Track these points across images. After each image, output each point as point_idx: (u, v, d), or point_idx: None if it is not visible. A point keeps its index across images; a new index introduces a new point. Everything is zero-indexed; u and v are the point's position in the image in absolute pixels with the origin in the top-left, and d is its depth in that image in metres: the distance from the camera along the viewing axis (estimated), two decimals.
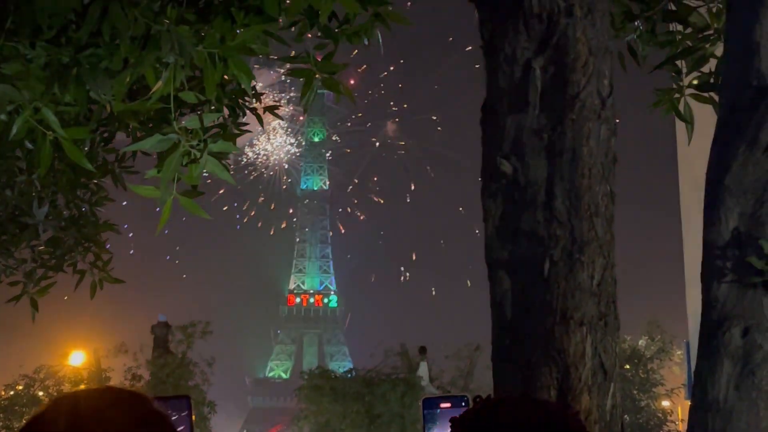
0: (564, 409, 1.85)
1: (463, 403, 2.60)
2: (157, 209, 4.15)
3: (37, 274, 6.41)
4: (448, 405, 2.60)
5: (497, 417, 1.79)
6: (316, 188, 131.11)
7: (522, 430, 1.74)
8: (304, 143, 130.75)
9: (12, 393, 27.38)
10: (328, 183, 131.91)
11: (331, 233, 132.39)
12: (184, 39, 3.81)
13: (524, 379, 3.42)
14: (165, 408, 1.64)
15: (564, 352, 3.37)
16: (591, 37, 3.54)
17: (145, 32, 3.79)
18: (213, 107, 4.74)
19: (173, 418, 2.29)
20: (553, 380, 3.37)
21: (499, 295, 3.56)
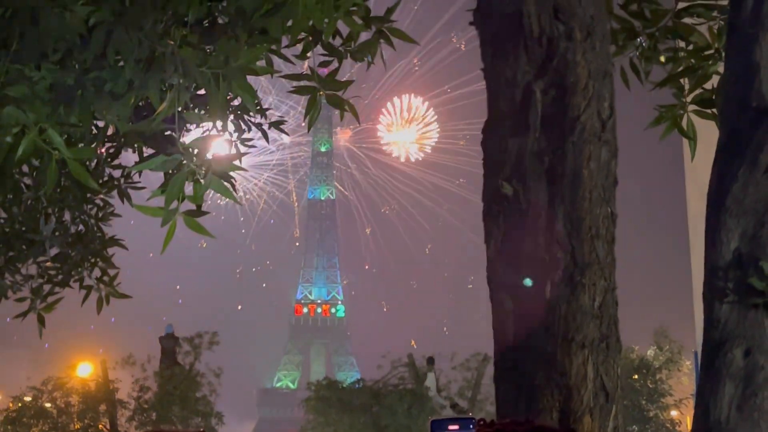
0: None
1: (471, 426, 2.60)
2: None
3: (44, 290, 6.43)
4: (455, 427, 2.60)
5: None
6: (323, 198, 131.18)
7: None
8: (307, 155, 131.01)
9: (20, 405, 27.37)
10: (335, 192, 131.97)
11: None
12: (188, 60, 3.83)
13: (526, 400, 3.42)
14: None
15: (566, 374, 3.38)
16: (591, 60, 3.56)
17: (150, 54, 3.81)
18: (220, 127, 4.77)
19: None
20: (555, 402, 3.38)
21: (501, 317, 3.57)
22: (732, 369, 3.25)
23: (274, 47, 4.55)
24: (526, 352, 3.47)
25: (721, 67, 4.53)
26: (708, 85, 4.87)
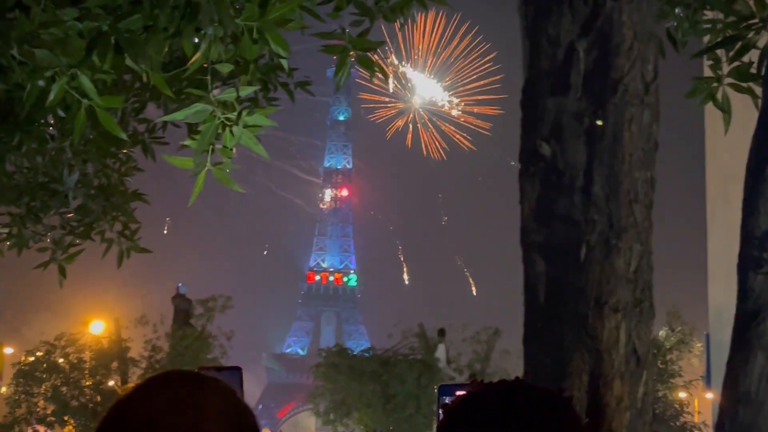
0: (557, 394, 1.80)
1: None
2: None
3: (65, 242, 6.44)
4: (463, 392, 2.58)
5: (486, 404, 1.76)
6: (339, 167, 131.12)
7: (511, 417, 1.71)
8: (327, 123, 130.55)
9: (32, 359, 27.63)
10: (351, 161, 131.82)
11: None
12: (224, 10, 3.80)
13: (555, 363, 3.40)
14: (218, 376, 1.65)
15: (597, 337, 3.35)
16: (636, 21, 3.50)
17: (186, 2, 3.78)
18: (248, 80, 4.73)
19: None
20: (585, 365, 3.35)
21: (533, 278, 3.53)
22: (764, 340, 3.22)
23: (306, 4, 4.50)
24: (557, 314, 3.44)
25: (764, 38, 4.45)
26: (746, 59, 4.79)
